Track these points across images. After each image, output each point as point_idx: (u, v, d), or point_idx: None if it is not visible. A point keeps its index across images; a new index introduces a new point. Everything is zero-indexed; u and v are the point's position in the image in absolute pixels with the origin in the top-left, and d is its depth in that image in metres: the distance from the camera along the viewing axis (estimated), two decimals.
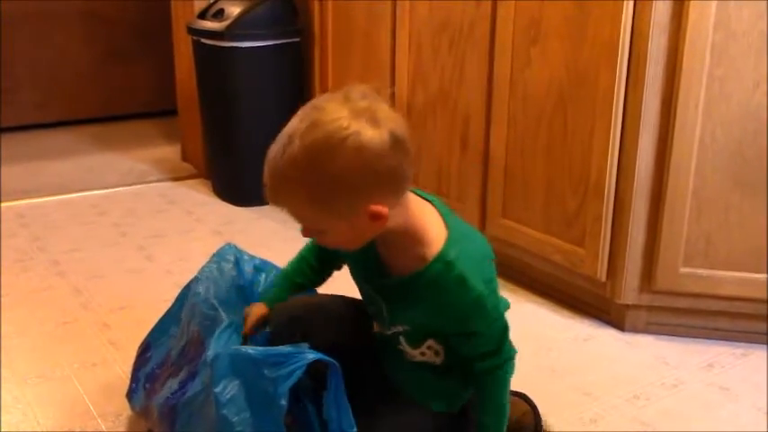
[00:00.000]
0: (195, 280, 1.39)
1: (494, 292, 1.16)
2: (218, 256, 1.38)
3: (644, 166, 1.76)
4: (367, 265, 1.18)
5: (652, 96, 1.72)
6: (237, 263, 1.35)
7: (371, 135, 0.99)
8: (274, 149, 1.04)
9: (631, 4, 1.68)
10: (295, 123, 1.03)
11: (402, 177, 1.05)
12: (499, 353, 1.20)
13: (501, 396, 1.23)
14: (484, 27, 2.01)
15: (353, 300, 1.32)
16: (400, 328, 1.20)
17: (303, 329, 1.22)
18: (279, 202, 1.06)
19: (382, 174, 1.01)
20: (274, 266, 1.40)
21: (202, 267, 1.39)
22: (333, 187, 1.01)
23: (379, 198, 1.03)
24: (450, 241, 1.12)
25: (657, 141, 1.74)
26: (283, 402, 1.08)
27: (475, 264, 1.13)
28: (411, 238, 1.11)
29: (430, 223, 1.13)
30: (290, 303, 1.29)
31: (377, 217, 1.04)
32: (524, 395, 1.44)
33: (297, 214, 1.07)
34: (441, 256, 1.10)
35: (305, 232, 1.10)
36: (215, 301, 1.24)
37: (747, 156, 1.72)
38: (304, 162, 1.00)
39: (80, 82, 3.72)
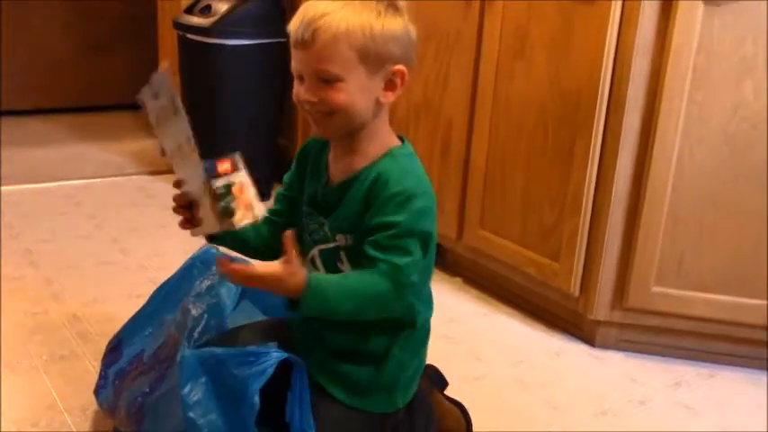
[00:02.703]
0: (175, 281, 1.38)
1: (426, 210, 1.15)
2: (198, 259, 1.37)
3: (621, 185, 1.78)
4: (314, 176, 1.25)
5: (632, 116, 1.74)
6: (214, 264, 1.34)
7: (406, 19, 1.16)
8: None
9: (616, 24, 1.70)
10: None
11: (412, 65, 1.17)
12: (402, 254, 1.12)
13: (370, 297, 1.12)
14: (470, 36, 2.03)
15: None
16: (342, 240, 1.20)
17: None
18: (320, 40, 1.11)
19: (412, 46, 1.16)
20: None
21: (182, 269, 1.38)
22: (382, 38, 1.12)
23: (402, 66, 1.15)
24: (402, 148, 1.21)
25: (636, 160, 1.76)
26: (256, 400, 1.08)
27: (419, 175, 1.18)
28: (374, 136, 1.19)
29: (393, 138, 1.22)
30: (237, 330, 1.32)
31: (393, 84, 1.15)
32: (462, 406, 1.43)
33: (329, 56, 1.11)
34: (391, 151, 1.19)
35: (311, 90, 1.13)
36: (190, 305, 1.24)
37: (723, 178, 1.74)
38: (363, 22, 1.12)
39: (60, 70, 3.69)
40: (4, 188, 2.73)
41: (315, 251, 1.23)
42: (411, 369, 1.26)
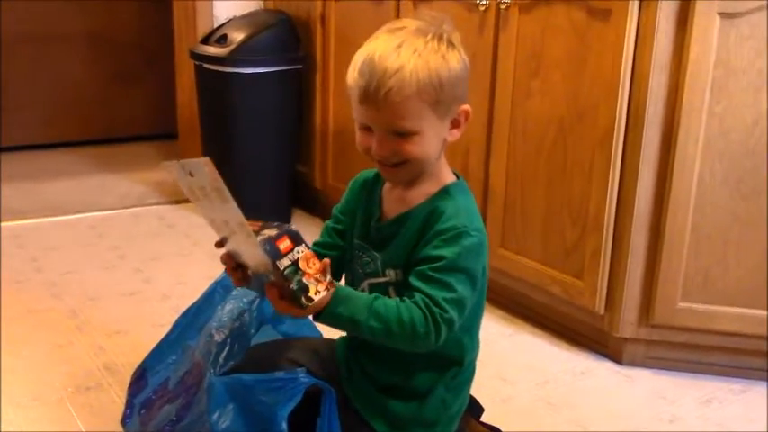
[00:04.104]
0: (197, 308, 1.38)
1: (475, 248, 1.13)
2: (220, 284, 1.38)
3: (643, 201, 1.77)
4: (367, 211, 1.24)
5: (652, 132, 1.73)
6: (238, 290, 1.34)
7: (462, 52, 1.15)
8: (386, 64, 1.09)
9: (632, 41, 1.70)
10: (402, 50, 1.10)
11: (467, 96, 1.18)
12: (442, 288, 1.10)
13: (402, 322, 1.08)
14: (486, 57, 2.03)
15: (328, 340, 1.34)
16: (393, 276, 1.19)
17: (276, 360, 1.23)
18: (392, 101, 1.09)
19: (468, 78, 1.16)
20: None
21: (204, 295, 1.39)
22: (450, 85, 1.11)
23: (467, 105, 1.16)
24: (457, 184, 1.20)
25: (657, 176, 1.75)
26: (284, 426, 1.08)
27: (472, 213, 1.17)
28: (433, 173, 1.19)
29: (449, 174, 1.21)
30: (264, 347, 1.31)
31: (458, 122, 1.16)
32: (499, 431, 1.40)
33: (402, 114, 1.10)
34: (447, 187, 1.18)
35: (385, 145, 1.12)
36: (213, 330, 1.24)
37: (745, 192, 1.73)
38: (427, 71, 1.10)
39: (82, 104, 3.73)
40: (27, 221, 2.76)
41: (365, 284, 1.23)
42: (454, 408, 1.25)
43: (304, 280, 1.03)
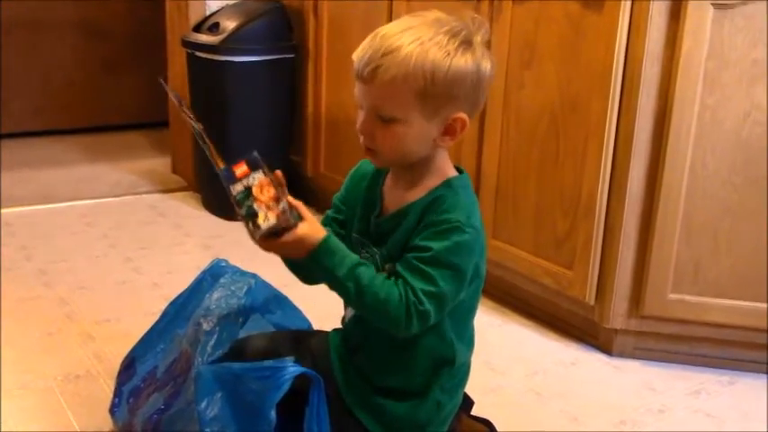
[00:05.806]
0: (185, 297, 1.38)
1: (467, 246, 1.12)
2: (208, 273, 1.37)
3: (635, 192, 1.77)
4: (367, 205, 1.22)
5: (644, 122, 1.73)
6: (226, 278, 1.34)
7: (478, 56, 1.11)
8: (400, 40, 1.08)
9: (625, 32, 1.69)
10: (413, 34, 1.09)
11: (479, 107, 1.15)
12: (423, 279, 1.09)
13: (377, 297, 1.08)
14: None
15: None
16: (392, 270, 1.16)
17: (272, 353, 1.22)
18: (379, 80, 1.08)
19: (481, 86, 1.12)
20: (263, 281, 1.39)
21: (193, 284, 1.38)
22: (445, 83, 1.07)
23: (464, 114, 1.12)
24: (459, 179, 1.18)
25: (648, 167, 1.75)
26: (272, 415, 1.08)
27: (471, 210, 1.15)
28: (432, 168, 1.17)
29: (451, 169, 1.20)
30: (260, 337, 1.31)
31: (452, 129, 1.12)
32: (489, 423, 1.40)
33: (386, 96, 1.08)
34: (449, 181, 1.16)
35: (367, 124, 1.11)
36: (201, 319, 1.24)
37: (737, 183, 1.73)
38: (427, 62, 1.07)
39: (72, 91, 3.72)
40: (17, 209, 2.75)
41: None
42: (448, 409, 1.24)
43: (254, 206, 0.99)
